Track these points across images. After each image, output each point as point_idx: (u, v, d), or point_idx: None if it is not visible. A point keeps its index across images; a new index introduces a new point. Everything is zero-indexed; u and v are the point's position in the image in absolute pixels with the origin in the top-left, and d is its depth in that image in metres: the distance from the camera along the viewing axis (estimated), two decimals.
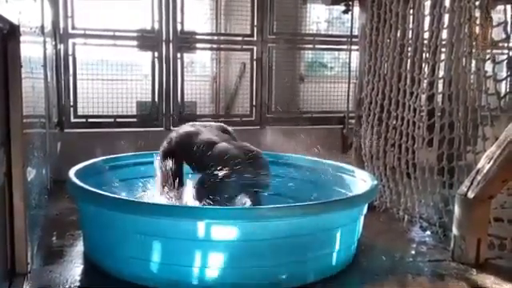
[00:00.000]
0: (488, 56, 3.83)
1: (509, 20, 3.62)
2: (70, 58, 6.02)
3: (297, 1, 6.93)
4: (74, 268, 3.51)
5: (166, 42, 6.29)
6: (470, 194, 3.66)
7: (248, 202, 3.82)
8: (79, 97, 6.12)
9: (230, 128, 4.39)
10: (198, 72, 7.44)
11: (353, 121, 5.97)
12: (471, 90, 4.04)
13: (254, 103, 6.78)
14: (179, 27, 6.32)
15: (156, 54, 6.27)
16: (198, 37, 6.56)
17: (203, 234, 3.10)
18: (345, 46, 6.73)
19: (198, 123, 4.40)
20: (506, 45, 3.80)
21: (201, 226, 3.09)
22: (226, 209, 3.50)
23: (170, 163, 4.09)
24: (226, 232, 3.12)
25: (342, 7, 6.22)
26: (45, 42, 4.60)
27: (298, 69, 7.10)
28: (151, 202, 3.65)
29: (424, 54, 4.60)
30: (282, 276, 3.22)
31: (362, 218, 3.77)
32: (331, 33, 7.25)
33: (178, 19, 6.30)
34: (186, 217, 3.17)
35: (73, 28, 5.98)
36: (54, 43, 5.58)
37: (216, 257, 3.13)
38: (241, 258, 3.16)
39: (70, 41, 5.99)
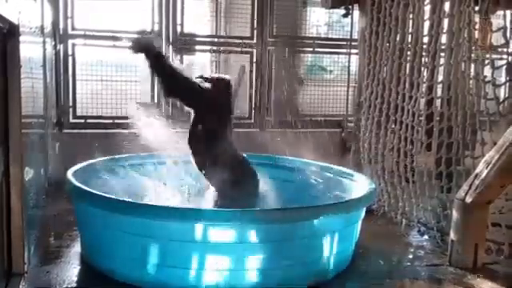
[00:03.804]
0: (487, 61, 3.84)
1: (508, 25, 3.63)
2: (70, 59, 6.01)
3: (297, 4, 6.93)
4: (71, 269, 3.51)
5: (166, 44, 6.28)
6: (468, 199, 3.66)
7: None
8: (78, 97, 6.11)
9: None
10: (198, 74, 7.41)
11: (351, 124, 5.98)
12: (470, 94, 4.04)
13: (253, 106, 6.78)
14: (179, 29, 6.32)
15: None
16: (197, 39, 6.56)
17: (200, 236, 3.09)
18: (344, 50, 6.72)
19: None
20: (505, 50, 3.81)
21: (198, 228, 3.09)
22: (224, 211, 3.50)
23: None
24: (224, 234, 3.12)
25: (341, 11, 6.21)
26: (44, 43, 4.61)
27: (297, 72, 7.10)
28: (148, 203, 3.65)
29: (423, 59, 4.61)
30: (279, 279, 3.22)
31: (359, 222, 3.77)
32: (331, 36, 7.25)
33: (178, 21, 6.30)
34: (182, 218, 3.16)
35: (73, 29, 5.97)
36: (53, 43, 5.58)
37: (213, 259, 3.13)
38: (237, 260, 3.16)
39: (70, 41, 5.98)
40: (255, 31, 6.65)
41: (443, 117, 4.31)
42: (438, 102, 4.50)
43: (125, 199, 3.39)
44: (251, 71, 6.72)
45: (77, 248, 3.83)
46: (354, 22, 6.12)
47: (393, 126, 4.92)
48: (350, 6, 5.98)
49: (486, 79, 3.80)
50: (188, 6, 6.38)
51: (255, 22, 6.63)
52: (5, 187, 3.01)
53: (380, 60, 5.13)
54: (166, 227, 3.13)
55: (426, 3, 4.52)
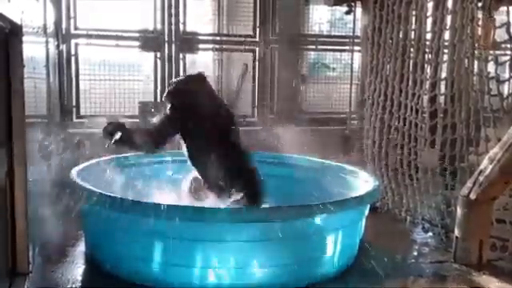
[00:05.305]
0: (491, 57, 3.82)
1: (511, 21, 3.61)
2: (73, 58, 6.02)
3: (299, 2, 6.92)
4: (76, 268, 3.52)
5: (169, 43, 6.29)
6: (473, 196, 3.65)
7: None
8: (81, 97, 6.13)
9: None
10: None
11: (355, 122, 5.97)
12: (474, 91, 4.03)
13: (256, 104, 6.78)
14: (182, 28, 6.33)
15: (158, 55, 6.28)
16: (200, 37, 6.57)
17: (204, 235, 3.09)
18: (347, 47, 6.72)
19: None
20: (508, 46, 3.79)
21: (204, 227, 3.09)
22: (229, 209, 3.50)
23: None
24: (228, 232, 3.11)
25: (344, 8, 6.21)
26: (47, 42, 4.61)
27: (300, 70, 7.09)
28: (152, 202, 3.64)
29: (426, 55, 4.60)
30: (283, 277, 3.22)
31: (363, 219, 3.76)
32: (333, 34, 7.25)
33: (181, 20, 6.31)
34: (187, 217, 3.16)
35: (75, 28, 5.98)
36: (56, 43, 5.59)
37: (217, 258, 3.13)
38: (242, 258, 3.16)
39: (73, 41, 5.99)
40: (258, 29, 6.65)
41: (447, 113, 4.30)
42: (441, 99, 4.49)
43: (129, 198, 3.39)
44: (253, 69, 6.72)
45: (81, 247, 3.84)
46: (356, 20, 6.11)
47: (396, 123, 4.91)
48: (353, 4, 5.97)
49: (490, 75, 3.79)
50: (190, 5, 6.38)
51: (258, 20, 6.64)
52: (9, 187, 3.02)
53: (383, 57, 5.12)
54: (171, 226, 3.13)
55: (428, 0, 4.51)
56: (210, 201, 3.88)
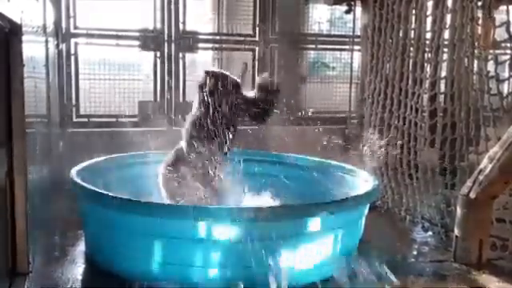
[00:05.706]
0: (490, 56, 3.82)
1: (511, 20, 3.61)
2: (73, 58, 6.02)
3: (299, 1, 6.92)
4: (76, 268, 3.51)
5: (168, 42, 6.29)
6: (472, 195, 3.65)
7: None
8: (81, 96, 6.13)
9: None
10: (200, 72, 7.40)
11: (355, 121, 5.97)
12: (473, 90, 4.03)
13: None
14: (181, 27, 6.33)
15: (158, 54, 6.28)
16: (200, 37, 6.57)
17: (204, 234, 3.09)
18: (347, 47, 6.72)
19: None
20: (508, 45, 3.79)
21: (201, 226, 3.09)
22: (224, 208, 3.50)
23: None
24: (225, 231, 3.12)
25: (344, 7, 6.22)
26: (47, 42, 4.61)
27: (299, 69, 7.09)
28: (152, 201, 3.64)
29: (426, 54, 4.60)
30: (282, 276, 3.22)
31: (363, 219, 3.76)
32: (333, 33, 7.25)
33: (180, 19, 6.31)
34: (186, 216, 3.16)
35: (75, 28, 5.98)
36: (56, 43, 5.59)
37: (216, 256, 3.13)
38: (241, 257, 3.16)
39: (73, 40, 5.99)
40: (257, 28, 6.65)
41: (446, 112, 4.30)
42: (441, 98, 4.49)
43: (130, 198, 3.39)
44: (253, 68, 6.72)
45: (81, 247, 3.84)
46: (356, 19, 6.12)
47: (396, 122, 4.91)
48: (353, 3, 5.98)
49: (490, 74, 3.79)
50: (190, 4, 6.38)
51: (257, 19, 6.64)
52: (9, 187, 3.02)
53: (383, 56, 5.13)
54: (171, 225, 3.13)
55: None
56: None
